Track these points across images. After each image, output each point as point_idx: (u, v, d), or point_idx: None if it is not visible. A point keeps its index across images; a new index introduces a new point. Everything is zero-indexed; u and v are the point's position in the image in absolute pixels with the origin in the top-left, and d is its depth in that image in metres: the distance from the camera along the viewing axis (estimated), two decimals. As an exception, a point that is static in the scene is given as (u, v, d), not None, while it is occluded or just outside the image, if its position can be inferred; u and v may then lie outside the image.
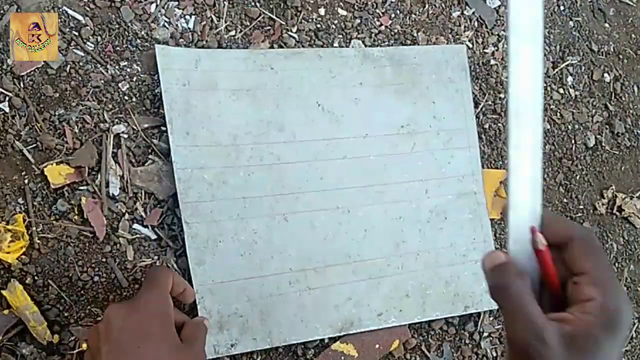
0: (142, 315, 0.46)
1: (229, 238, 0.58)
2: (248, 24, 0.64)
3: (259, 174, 0.60)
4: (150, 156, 0.57)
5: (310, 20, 0.66)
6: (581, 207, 0.76)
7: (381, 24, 0.69)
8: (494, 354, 0.68)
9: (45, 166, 0.54)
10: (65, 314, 0.53)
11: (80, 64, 0.57)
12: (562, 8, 0.79)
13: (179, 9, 0.61)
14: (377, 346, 0.63)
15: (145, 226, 0.57)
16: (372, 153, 0.64)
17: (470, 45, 0.73)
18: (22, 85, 0.55)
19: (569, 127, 0.77)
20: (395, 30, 0.69)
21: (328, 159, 0.63)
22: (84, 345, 0.53)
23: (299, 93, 0.63)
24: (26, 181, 0.54)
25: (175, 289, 0.51)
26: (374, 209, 0.63)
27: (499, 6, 0.75)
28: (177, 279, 0.51)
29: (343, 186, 0.62)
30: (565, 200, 0.75)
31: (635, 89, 0.82)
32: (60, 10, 0.57)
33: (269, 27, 0.64)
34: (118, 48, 0.59)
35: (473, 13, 0.73)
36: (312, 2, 0.67)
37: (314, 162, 0.62)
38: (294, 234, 0.60)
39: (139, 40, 0.59)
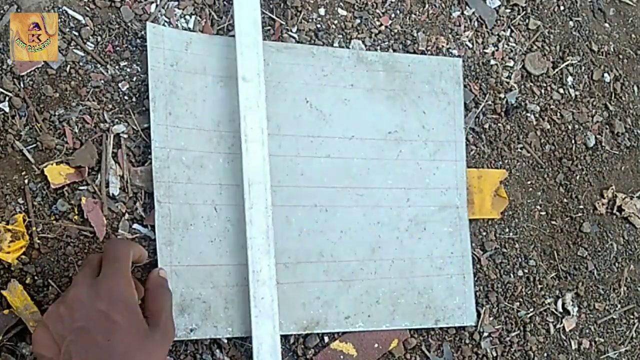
0: (107, 302, 0.45)
1: (200, 223, 0.57)
2: (248, 24, 0.64)
3: (239, 162, 0.59)
4: (150, 156, 0.57)
5: (310, 20, 0.66)
6: (581, 207, 0.76)
7: (381, 24, 0.69)
8: (494, 354, 0.68)
9: (45, 166, 0.54)
10: (65, 314, 0.53)
11: (80, 64, 0.57)
12: (562, 8, 0.79)
13: (179, 8, 0.61)
14: (376, 345, 0.63)
15: (145, 226, 0.57)
16: (356, 155, 0.64)
17: (470, 45, 0.73)
18: (22, 85, 0.55)
19: (569, 127, 0.77)
20: (395, 30, 0.69)
21: (311, 156, 0.62)
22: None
23: (289, 87, 0.63)
24: (26, 181, 0.54)
25: (135, 260, 0.50)
26: (352, 211, 0.63)
27: (499, 6, 0.75)
28: (135, 249, 0.50)
29: (323, 185, 0.62)
30: (565, 200, 0.75)
31: (635, 89, 0.83)
32: (60, 10, 0.57)
33: (269, 27, 0.64)
34: (118, 48, 0.59)
35: (473, 13, 0.73)
36: (312, 2, 0.67)
37: (296, 157, 0.62)
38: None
39: (139, 40, 0.59)
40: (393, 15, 0.70)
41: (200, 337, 0.56)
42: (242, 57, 0.60)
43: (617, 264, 0.77)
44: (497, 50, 0.74)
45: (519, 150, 0.73)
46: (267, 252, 0.58)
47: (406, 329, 0.64)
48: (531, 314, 0.70)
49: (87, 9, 0.58)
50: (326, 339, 0.61)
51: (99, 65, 0.58)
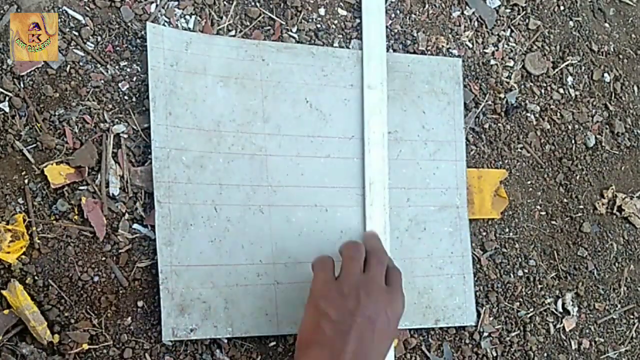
0: (393, 315, 0.54)
1: (200, 222, 0.57)
2: (248, 23, 0.64)
3: (239, 162, 0.60)
4: (150, 156, 0.57)
5: (310, 20, 0.66)
6: (581, 207, 0.76)
7: (381, 24, 0.69)
8: (494, 354, 0.68)
9: (45, 166, 0.54)
10: (66, 314, 0.54)
11: (80, 64, 0.57)
12: (562, 8, 0.79)
13: (179, 8, 0.61)
14: (377, 346, 0.62)
15: (145, 226, 0.57)
16: (356, 155, 0.64)
17: (470, 45, 0.73)
18: (22, 85, 0.55)
19: (569, 127, 0.77)
20: (396, 30, 0.69)
21: (311, 156, 0.63)
22: (85, 346, 0.53)
23: (288, 87, 0.63)
24: (26, 181, 0.54)
25: None
26: (352, 211, 0.63)
27: (499, 6, 0.75)
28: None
29: (323, 185, 0.62)
30: (565, 200, 0.75)
31: (635, 89, 0.83)
32: (60, 10, 0.57)
33: (269, 27, 0.64)
34: (118, 48, 0.59)
35: (473, 13, 0.73)
36: (312, 2, 0.67)
37: (296, 157, 0.62)
38: (268, 227, 0.60)
39: (139, 40, 0.59)
40: (393, 15, 0.70)
41: (200, 337, 0.56)
42: (369, 67, 0.65)
43: (617, 264, 0.77)
44: (497, 50, 0.74)
45: (519, 150, 0.73)
46: (385, 247, 0.62)
47: (406, 328, 0.64)
48: (531, 314, 0.70)
49: (87, 9, 0.58)
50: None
51: (99, 65, 0.58)
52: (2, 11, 0.55)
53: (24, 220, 0.53)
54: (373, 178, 0.63)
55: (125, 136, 0.57)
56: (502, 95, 0.73)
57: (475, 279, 0.68)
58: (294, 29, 0.65)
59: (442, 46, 0.71)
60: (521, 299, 0.70)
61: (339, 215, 0.63)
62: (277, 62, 0.63)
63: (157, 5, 0.61)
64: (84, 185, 0.56)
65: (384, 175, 0.64)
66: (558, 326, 0.72)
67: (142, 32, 0.59)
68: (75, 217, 0.55)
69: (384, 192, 0.63)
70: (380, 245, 0.59)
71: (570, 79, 0.78)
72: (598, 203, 0.77)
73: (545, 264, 0.73)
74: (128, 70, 0.59)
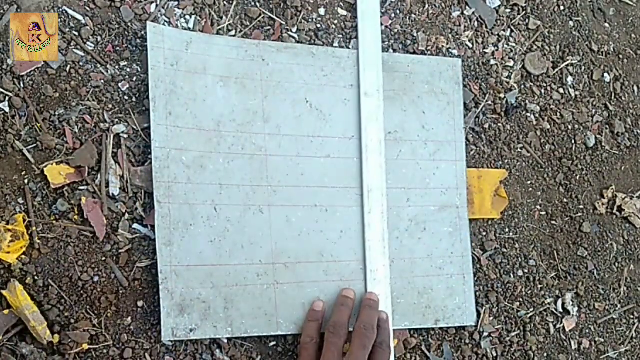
0: None
1: (200, 223, 0.58)
2: (248, 23, 0.64)
3: (239, 162, 0.60)
4: (150, 156, 0.57)
5: (310, 20, 0.66)
6: (581, 207, 0.76)
7: (381, 24, 0.69)
8: (494, 354, 0.68)
9: (45, 166, 0.54)
10: (66, 314, 0.54)
11: (80, 64, 0.57)
12: (562, 8, 0.79)
13: (179, 8, 0.61)
14: (377, 346, 0.62)
15: (145, 226, 0.57)
16: (356, 155, 0.64)
17: (470, 45, 0.73)
18: (22, 85, 0.55)
19: (569, 127, 0.77)
20: (395, 30, 0.69)
21: (311, 156, 0.63)
22: (85, 346, 0.53)
23: (288, 87, 0.63)
24: (26, 181, 0.54)
25: None
26: (352, 211, 0.63)
27: (499, 6, 0.75)
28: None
29: (323, 185, 0.62)
30: (565, 200, 0.75)
31: (635, 89, 0.83)
32: (60, 10, 0.57)
33: (269, 27, 0.64)
34: (118, 48, 0.59)
35: (473, 13, 0.73)
36: (312, 2, 0.67)
37: (296, 157, 0.62)
38: (268, 227, 0.60)
39: (139, 40, 0.59)
40: (393, 15, 0.70)
41: (200, 337, 0.56)
42: (365, 75, 0.65)
43: (617, 264, 0.77)
44: (497, 50, 0.74)
45: (519, 150, 0.73)
46: (382, 254, 0.62)
47: (406, 329, 0.64)
48: (531, 314, 0.70)
49: (87, 9, 0.58)
50: (326, 339, 0.61)
51: (99, 65, 0.58)
52: (2, 11, 0.55)
53: (24, 220, 0.53)
54: (371, 185, 0.63)
55: (125, 136, 0.57)
56: (502, 95, 0.73)
57: (475, 279, 0.68)
58: (294, 29, 0.65)
59: (442, 46, 0.71)
60: (521, 299, 0.70)
61: (339, 215, 0.63)
62: (277, 62, 0.63)
63: (157, 5, 0.61)
64: (84, 185, 0.56)
65: (382, 183, 0.64)
66: (558, 326, 0.72)
67: (142, 32, 0.59)
68: (75, 217, 0.55)
69: (382, 200, 0.63)
70: (371, 319, 0.58)
71: (570, 79, 0.78)
72: (598, 203, 0.77)
73: (545, 264, 0.73)
74: (128, 70, 0.59)
